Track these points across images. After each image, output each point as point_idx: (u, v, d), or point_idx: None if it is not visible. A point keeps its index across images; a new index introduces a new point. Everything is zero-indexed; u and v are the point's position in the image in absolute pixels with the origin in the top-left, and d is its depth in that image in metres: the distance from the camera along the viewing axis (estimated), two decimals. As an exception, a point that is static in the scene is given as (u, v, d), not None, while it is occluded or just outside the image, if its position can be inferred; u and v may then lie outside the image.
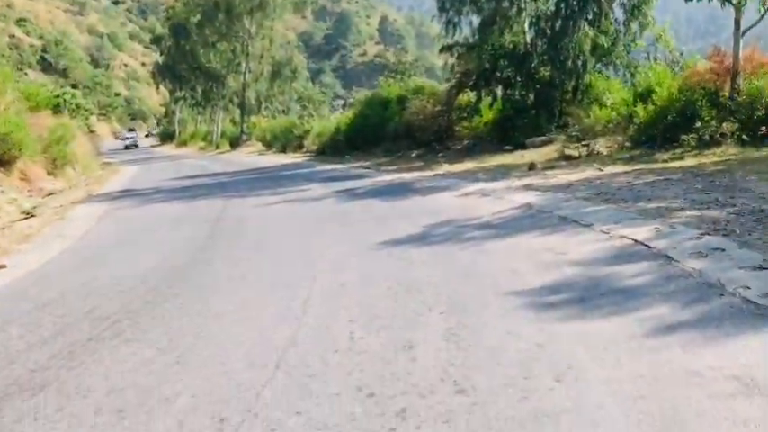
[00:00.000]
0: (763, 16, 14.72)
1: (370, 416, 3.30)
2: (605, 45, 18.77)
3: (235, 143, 47.09)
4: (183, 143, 60.10)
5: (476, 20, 21.34)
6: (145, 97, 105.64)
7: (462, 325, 4.54)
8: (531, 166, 14.43)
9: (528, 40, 20.02)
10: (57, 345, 4.84)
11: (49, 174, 22.84)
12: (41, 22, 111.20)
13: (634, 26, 19.42)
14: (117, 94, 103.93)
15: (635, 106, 16.24)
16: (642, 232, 6.60)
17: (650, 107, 15.66)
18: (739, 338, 3.78)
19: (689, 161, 12.51)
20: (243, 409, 3.48)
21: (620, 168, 12.58)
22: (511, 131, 19.29)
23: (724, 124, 13.69)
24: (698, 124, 14.03)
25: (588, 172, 12.57)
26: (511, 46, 20.11)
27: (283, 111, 52.20)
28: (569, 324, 4.36)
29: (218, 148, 48.91)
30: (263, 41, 47.09)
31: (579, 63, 18.67)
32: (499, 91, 20.72)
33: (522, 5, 19.90)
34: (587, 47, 18.48)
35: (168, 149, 59.06)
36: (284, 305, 5.47)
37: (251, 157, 36.15)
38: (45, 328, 5.33)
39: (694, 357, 3.60)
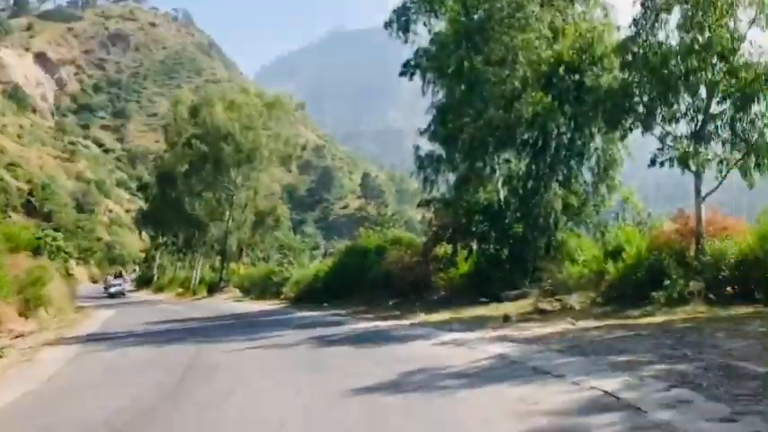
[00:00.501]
0: (720, 183, 15.66)
1: None
2: (575, 204, 19.68)
3: (213, 289, 46.96)
4: (161, 288, 59.78)
5: (452, 177, 22.38)
6: (126, 242, 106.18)
7: (433, 474, 4.47)
8: (506, 318, 14.57)
9: (501, 197, 20.94)
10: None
11: (20, 315, 22.44)
12: (31, 167, 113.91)
13: (602, 188, 20.49)
14: (98, 239, 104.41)
15: (606, 263, 16.71)
16: (612, 384, 6.65)
17: (620, 264, 16.13)
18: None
19: (658, 318, 12.74)
20: None
21: (591, 323, 12.74)
22: (486, 284, 19.60)
23: (691, 283, 14.07)
24: (666, 282, 14.39)
25: (561, 326, 12.71)
26: (485, 203, 21.00)
27: (263, 258, 52.68)
28: (539, 473, 4.32)
29: (195, 294, 48.64)
30: (248, 192, 48.56)
31: (551, 221, 19.45)
32: (474, 245, 21.31)
33: (495, 166, 21.01)
34: (558, 206, 19.36)
35: (145, 294, 58.55)
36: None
37: (228, 303, 35.95)
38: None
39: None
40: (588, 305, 15.77)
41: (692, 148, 14.83)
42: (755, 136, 14.98)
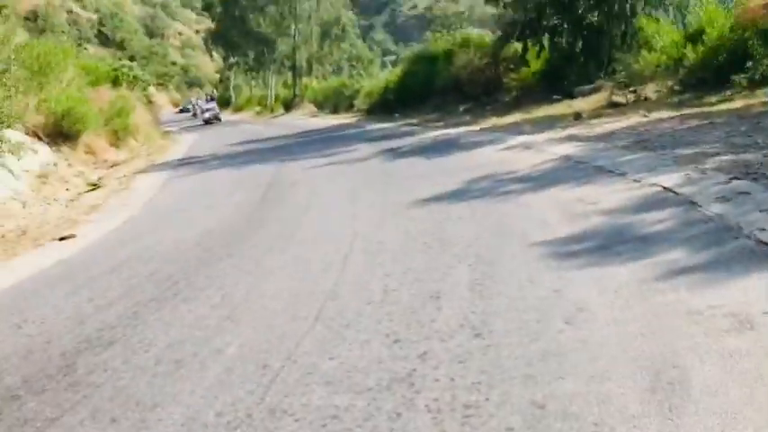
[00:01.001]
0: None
1: (394, 359, 3.68)
2: (654, -14, 18.28)
3: (288, 106, 47.73)
4: (240, 108, 61.17)
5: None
6: (200, 65, 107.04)
7: (487, 275, 4.85)
8: (577, 116, 14.38)
9: (574, -15, 19.60)
10: (122, 306, 5.39)
11: (112, 145, 23.88)
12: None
13: (685, -37, 18.78)
14: (173, 63, 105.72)
15: (685, 48, 15.85)
16: (673, 179, 6.71)
17: (700, 48, 15.28)
18: (744, 279, 3.98)
19: (737, 103, 12.27)
20: (284, 357, 3.91)
21: (665, 114, 12.44)
22: (559, 80, 19.08)
23: (777, 62, 13.28)
24: (749, 64, 13.63)
25: (633, 119, 12.49)
26: (556, -7, 19.76)
27: (334, 71, 52.46)
28: (587, 271, 4.62)
29: (272, 111, 49.69)
30: (310, 2, 47.23)
31: (627, 6, 18.21)
32: (546, 40, 20.40)
33: (567, -51, 19.47)
34: (635, -12, 18.04)
35: (225, 115, 60.36)
36: (327, 260, 5.89)
37: (304, 119, 36.70)
38: (112, 290, 5.91)
39: (697, 297, 3.83)
40: (665, 94, 15.28)
41: None
42: None
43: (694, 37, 16.28)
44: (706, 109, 12.27)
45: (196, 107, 57.87)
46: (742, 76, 13.71)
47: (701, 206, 5.60)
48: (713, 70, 14.62)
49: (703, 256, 4.48)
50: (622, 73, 15.71)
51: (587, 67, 18.72)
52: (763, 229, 4.68)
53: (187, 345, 4.35)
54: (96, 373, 4.08)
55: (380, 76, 33.96)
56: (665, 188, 6.45)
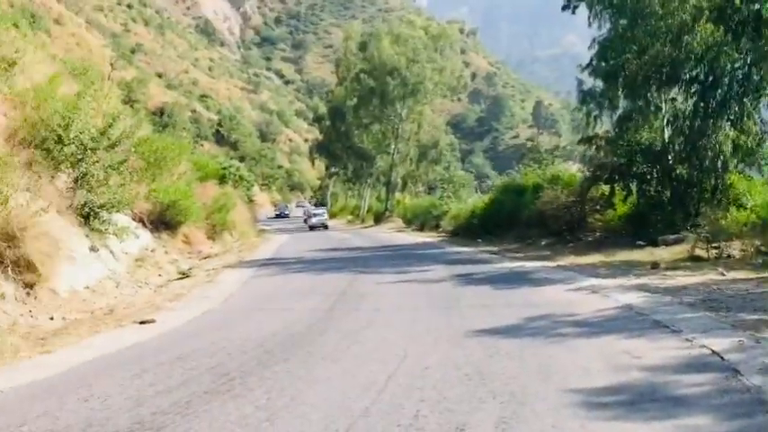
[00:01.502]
0: None
1: (406, 480, 3.94)
2: (748, 145, 18.31)
3: (379, 218, 49.39)
4: (333, 215, 63.59)
5: (614, 115, 21.64)
6: (303, 170, 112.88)
7: (516, 415, 5.05)
8: (654, 265, 14.31)
9: (665, 137, 19.93)
10: (179, 394, 5.91)
11: (208, 238, 25.49)
12: (220, 98, 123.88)
13: (782, 127, 18.80)
14: (279, 167, 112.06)
15: (776, 210, 15.66)
16: (725, 343, 6.72)
17: (791, 212, 15.07)
18: (759, 455, 4.03)
19: (823, 272, 11.96)
20: (308, 461, 4.25)
21: (744, 275, 12.24)
22: (644, 227, 19.05)
23: None
24: (841, 234, 13.33)
25: (709, 275, 12.36)
26: (647, 142, 20.11)
27: (426, 191, 54.21)
28: (610, 424, 4.76)
29: (363, 222, 51.48)
30: (412, 125, 49.77)
31: (719, 162, 18.30)
32: (634, 186, 20.61)
33: (660, 104, 19.96)
34: (727, 147, 18.13)
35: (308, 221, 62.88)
36: (372, 378, 6.24)
37: (390, 233, 37.78)
38: (173, 378, 6.48)
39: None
40: (750, 254, 14.97)
41: None
42: None
43: (787, 200, 16.11)
44: (788, 275, 12.01)
45: (304, 210, 57.25)
46: (834, 245, 13.38)
47: (742, 375, 5.62)
48: (803, 235, 14.32)
49: (727, 426, 4.54)
50: (705, 227, 15.61)
51: (674, 217, 18.65)
52: (796, 409, 4.69)
53: (227, 438, 4.76)
54: (142, 452, 4.54)
55: (469, 201, 34.86)
56: (713, 351, 6.48)
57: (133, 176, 16.53)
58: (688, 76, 19.02)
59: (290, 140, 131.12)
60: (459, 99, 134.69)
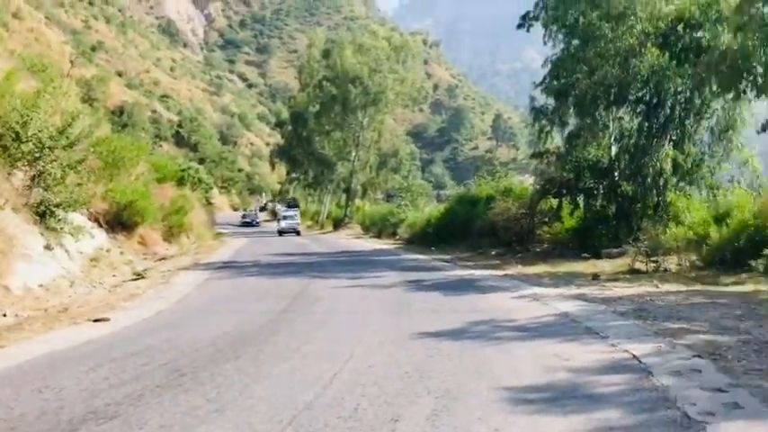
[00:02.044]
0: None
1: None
2: (688, 165, 19.31)
3: (338, 224, 49.80)
4: (293, 220, 63.65)
5: (565, 130, 22.50)
6: (264, 174, 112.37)
7: (447, 408, 5.50)
8: (595, 276, 15.04)
9: (612, 154, 20.85)
10: (132, 387, 6.21)
11: (165, 240, 25.47)
12: (181, 99, 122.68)
13: (720, 149, 19.87)
14: (240, 170, 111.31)
15: (711, 227, 16.54)
16: (645, 348, 7.31)
17: (724, 229, 15.95)
18: (654, 443, 4.57)
19: (748, 287, 12.77)
20: (253, 448, 4.62)
21: (676, 287, 13.00)
22: (589, 240, 19.90)
23: (787, 254, 13.83)
24: (766, 252, 14.21)
25: (644, 287, 13.09)
26: (595, 159, 21.03)
27: (384, 199, 54.83)
28: (532, 417, 5.24)
29: (322, 227, 51.79)
30: (373, 133, 50.35)
31: (661, 181, 19.25)
32: (581, 200, 21.48)
33: (607, 123, 20.89)
34: (668, 166, 19.10)
35: (274, 224, 62.74)
36: (318, 375, 6.63)
37: (348, 239, 38.19)
38: (126, 373, 6.77)
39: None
40: (685, 268, 15.84)
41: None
42: None
43: (722, 218, 17.00)
44: (716, 288, 12.80)
45: (277, 211, 53.13)
46: (760, 261, 14.25)
47: (654, 376, 6.18)
48: (733, 252, 15.20)
49: (632, 419, 5.06)
50: (645, 242, 16.44)
51: (618, 231, 19.52)
52: (694, 405, 5.25)
53: (175, 427, 5.09)
54: (95, 439, 4.86)
55: (426, 210, 35.56)
56: (633, 355, 7.05)
57: (91, 176, 16.61)
58: (634, 96, 19.99)
59: (252, 144, 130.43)
60: (420, 109, 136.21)
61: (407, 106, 53.62)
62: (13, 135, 13.87)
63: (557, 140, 23.55)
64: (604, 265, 17.20)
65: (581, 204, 21.49)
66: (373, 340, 8.51)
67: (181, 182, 34.83)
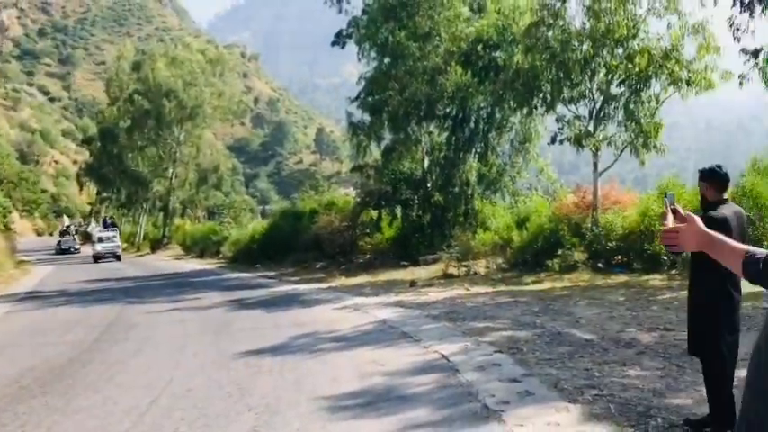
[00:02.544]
0: (615, 161, 17.05)
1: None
2: (491, 175, 20.96)
3: (156, 246, 47.50)
4: (105, 243, 59.68)
5: (381, 145, 23.44)
6: (72, 195, 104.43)
7: (267, 423, 5.56)
8: (412, 283, 15.82)
9: (425, 167, 22.08)
10: None
11: (-45, 272, 22.82)
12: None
13: (520, 160, 21.79)
14: (44, 191, 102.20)
15: (514, 232, 18.09)
16: (453, 348, 7.86)
17: (524, 233, 17.52)
18: (457, 434, 4.97)
19: (546, 285, 14.13)
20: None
21: (484, 289, 14.06)
22: (408, 248, 20.87)
23: (576, 253, 15.51)
24: (560, 251, 15.80)
25: (456, 291, 14.00)
26: (410, 171, 22.15)
27: (206, 216, 53.29)
28: (348, 422, 5.46)
29: (138, 249, 49.09)
30: (191, 148, 48.79)
31: (468, 191, 20.70)
32: (399, 211, 22.49)
33: (420, 137, 22.09)
34: (473, 176, 20.61)
35: (90, 249, 58.47)
36: (134, 403, 6.38)
37: (168, 261, 36.64)
38: None
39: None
40: (492, 271, 17.13)
41: (585, 129, 16.08)
42: (646, 117, 16.31)
43: (523, 222, 18.64)
44: (518, 288, 14.02)
45: (91, 233, 47.67)
46: (555, 261, 15.81)
47: (460, 373, 6.68)
48: (533, 253, 16.74)
49: (439, 415, 5.45)
50: (456, 248, 17.59)
51: (433, 239, 20.68)
52: (492, 396, 5.76)
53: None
54: None
55: (249, 226, 35.10)
56: (442, 355, 7.56)
57: None
58: (442, 112, 21.35)
59: (57, 162, 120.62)
60: (242, 123, 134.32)
61: (227, 120, 52.47)
62: None
63: (375, 154, 24.43)
64: (421, 272, 18.12)
65: (399, 215, 22.49)
66: (193, 363, 8.33)
67: (-28, 206, 31.40)
